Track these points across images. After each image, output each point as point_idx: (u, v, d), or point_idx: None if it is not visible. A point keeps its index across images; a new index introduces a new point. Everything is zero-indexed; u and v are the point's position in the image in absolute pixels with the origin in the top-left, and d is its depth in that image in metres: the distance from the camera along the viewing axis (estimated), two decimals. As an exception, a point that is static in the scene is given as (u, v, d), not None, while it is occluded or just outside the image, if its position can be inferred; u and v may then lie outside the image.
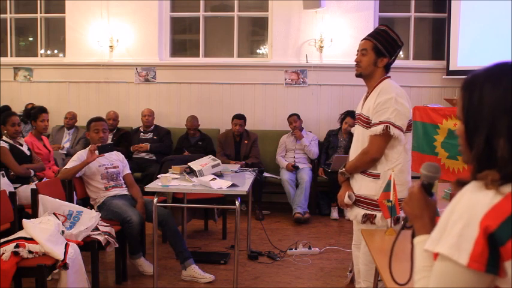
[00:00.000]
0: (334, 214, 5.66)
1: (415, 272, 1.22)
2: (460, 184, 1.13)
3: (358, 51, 2.72)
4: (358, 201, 2.70)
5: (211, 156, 4.09)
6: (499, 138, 1.07)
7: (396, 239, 1.48)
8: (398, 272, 1.48)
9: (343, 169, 2.79)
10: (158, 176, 3.90)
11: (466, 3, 5.97)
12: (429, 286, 1.11)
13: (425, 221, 1.30)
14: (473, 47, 5.92)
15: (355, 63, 2.71)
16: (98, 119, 4.12)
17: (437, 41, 6.65)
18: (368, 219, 2.66)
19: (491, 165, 1.07)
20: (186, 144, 6.04)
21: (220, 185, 3.52)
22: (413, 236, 1.33)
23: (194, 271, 3.75)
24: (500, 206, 1.02)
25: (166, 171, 4.08)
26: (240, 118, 5.92)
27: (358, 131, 2.76)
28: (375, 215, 2.63)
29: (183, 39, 7.65)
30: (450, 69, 6.08)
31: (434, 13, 6.77)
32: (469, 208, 1.06)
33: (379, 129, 2.56)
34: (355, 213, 2.73)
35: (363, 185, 2.69)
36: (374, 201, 2.62)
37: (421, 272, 1.18)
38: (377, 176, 2.63)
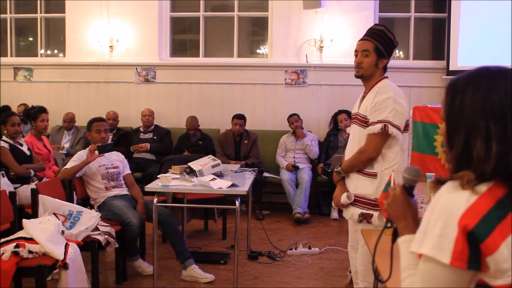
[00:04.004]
0: (334, 214, 5.66)
1: (401, 271, 1.26)
2: (439, 183, 1.18)
3: (357, 51, 2.66)
4: (355, 201, 2.68)
5: (211, 156, 4.09)
6: (476, 138, 1.13)
7: (379, 239, 1.51)
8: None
9: (339, 168, 2.77)
10: (158, 176, 3.90)
11: (466, 3, 5.97)
12: (415, 285, 1.17)
13: (408, 222, 1.34)
14: (473, 47, 5.92)
15: (356, 64, 2.66)
16: (100, 119, 4.12)
17: (437, 41, 6.64)
18: (365, 218, 2.63)
19: (468, 165, 1.13)
20: (187, 143, 6.03)
21: (220, 185, 3.52)
22: (393, 235, 1.39)
23: (194, 271, 3.75)
24: (476, 205, 1.08)
25: (166, 171, 4.08)
26: (240, 118, 5.92)
27: (354, 130, 2.75)
28: (372, 215, 2.60)
29: (183, 39, 7.65)
30: (450, 69, 6.06)
31: (434, 13, 6.76)
32: (446, 209, 1.11)
33: (377, 128, 2.55)
34: (351, 213, 2.70)
35: (359, 185, 2.67)
36: (371, 201, 2.61)
37: (407, 271, 1.23)
38: (374, 175, 2.61)
